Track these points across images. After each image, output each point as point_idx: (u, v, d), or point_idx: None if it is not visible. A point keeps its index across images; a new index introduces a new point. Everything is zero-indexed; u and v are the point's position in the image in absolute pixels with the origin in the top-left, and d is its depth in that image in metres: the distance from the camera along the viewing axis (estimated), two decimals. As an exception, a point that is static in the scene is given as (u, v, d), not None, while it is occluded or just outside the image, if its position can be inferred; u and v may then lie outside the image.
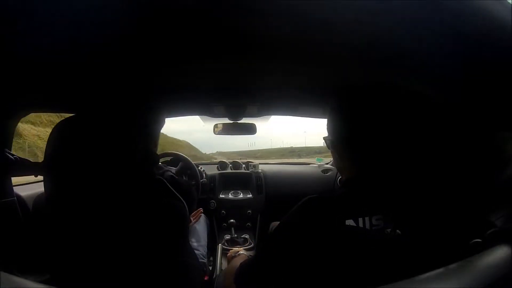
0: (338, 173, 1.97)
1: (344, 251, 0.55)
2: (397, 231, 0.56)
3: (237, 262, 0.90)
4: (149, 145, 0.76)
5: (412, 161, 0.65)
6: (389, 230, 0.56)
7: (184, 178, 1.67)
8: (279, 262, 0.61)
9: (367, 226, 0.56)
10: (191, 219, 1.45)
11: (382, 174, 0.63)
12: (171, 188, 0.76)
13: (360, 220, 0.56)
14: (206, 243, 1.48)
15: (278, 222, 0.66)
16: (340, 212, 0.57)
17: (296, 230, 0.60)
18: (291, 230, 0.62)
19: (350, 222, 0.56)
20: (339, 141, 0.69)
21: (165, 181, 0.77)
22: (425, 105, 0.59)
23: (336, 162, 0.74)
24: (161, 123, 0.88)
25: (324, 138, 0.74)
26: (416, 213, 0.58)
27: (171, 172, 1.48)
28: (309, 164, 2.35)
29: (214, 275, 1.38)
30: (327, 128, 0.72)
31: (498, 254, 0.33)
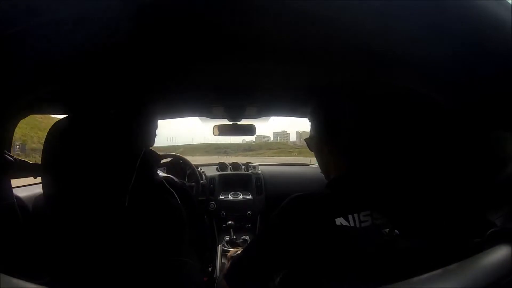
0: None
1: (334, 250, 0.55)
2: (395, 231, 0.56)
3: None
4: (148, 145, 0.76)
5: (405, 159, 0.65)
6: (387, 230, 0.56)
7: (183, 180, 1.67)
8: (265, 261, 0.61)
9: (357, 223, 0.56)
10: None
11: (370, 171, 0.63)
12: (171, 189, 0.76)
13: (350, 217, 0.56)
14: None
15: None
16: (328, 210, 0.57)
17: (280, 228, 0.60)
18: (275, 228, 0.62)
19: (340, 221, 0.56)
20: (324, 139, 0.69)
21: (165, 183, 0.77)
22: (425, 104, 0.59)
23: (321, 163, 0.73)
24: (156, 123, 0.88)
25: (305, 139, 0.74)
26: (413, 212, 0.59)
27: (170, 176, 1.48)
28: (309, 165, 2.35)
29: (214, 276, 1.37)
30: (311, 128, 0.72)
31: (498, 254, 0.33)
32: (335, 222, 0.56)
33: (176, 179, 0.91)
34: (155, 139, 0.88)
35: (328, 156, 0.69)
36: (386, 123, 0.64)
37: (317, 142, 0.70)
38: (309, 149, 0.75)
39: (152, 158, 0.76)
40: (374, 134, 0.63)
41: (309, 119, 0.73)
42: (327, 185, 0.69)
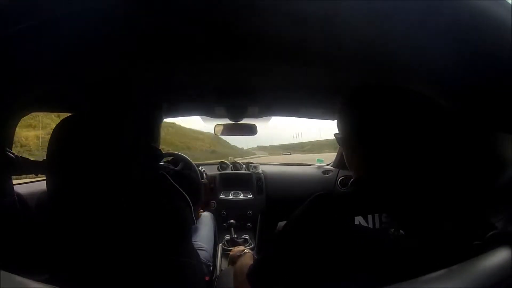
0: (338, 174, 1.97)
1: (353, 249, 0.55)
2: (401, 231, 0.56)
3: (245, 260, 0.90)
4: (150, 141, 0.76)
5: (420, 162, 0.65)
6: (392, 230, 0.56)
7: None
8: (291, 259, 0.61)
9: (377, 223, 0.56)
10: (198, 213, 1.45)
11: (392, 173, 0.63)
12: (175, 184, 0.76)
13: (370, 217, 0.56)
14: (212, 245, 1.47)
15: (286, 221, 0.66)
16: (349, 209, 0.57)
17: (307, 226, 0.60)
18: (302, 226, 0.62)
19: (359, 219, 0.56)
20: (350, 137, 0.68)
21: (168, 177, 0.76)
22: (430, 106, 0.59)
23: (346, 160, 0.73)
24: (161, 119, 0.88)
25: (335, 135, 0.74)
26: (420, 214, 0.58)
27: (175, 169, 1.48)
28: (309, 165, 2.35)
29: (214, 276, 1.38)
30: (338, 125, 0.71)
31: (498, 256, 0.33)
32: (354, 221, 0.56)
33: (184, 170, 0.91)
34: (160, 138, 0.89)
35: (354, 155, 0.68)
36: (404, 124, 0.64)
37: (344, 141, 0.70)
38: (339, 145, 0.74)
39: (154, 156, 0.76)
40: (396, 136, 0.63)
41: (336, 117, 0.73)
42: (351, 183, 0.69)
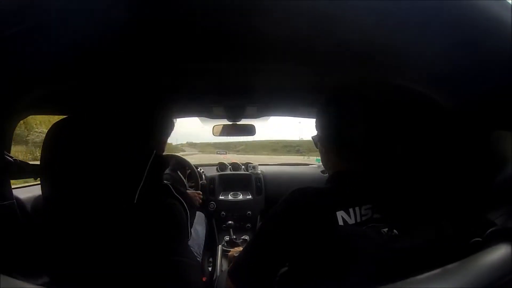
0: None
1: (334, 247, 0.55)
2: (394, 231, 0.56)
3: None
4: (153, 147, 0.75)
5: (405, 158, 0.66)
6: (385, 230, 0.56)
7: (182, 177, 1.67)
8: (268, 254, 0.62)
9: (358, 216, 0.57)
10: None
11: (372, 168, 0.64)
12: (176, 194, 0.76)
13: (351, 211, 0.57)
14: (202, 242, 1.46)
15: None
16: (329, 203, 0.58)
17: (282, 220, 0.60)
18: (276, 220, 0.62)
19: (341, 214, 0.56)
20: (327, 138, 0.70)
21: (171, 187, 0.77)
22: (424, 104, 0.59)
23: (323, 160, 0.75)
24: (167, 126, 0.86)
25: (312, 137, 0.75)
26: (412, 212, 0.59)
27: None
28: (308, 165, 2.35)
29: (214, 276, 1.37)
30: (316, 126, 0.73)
31: (498, 253, 0.33)
32: (336, 216, 0.56)
33: (180, 188, 0.91)
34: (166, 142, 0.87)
35: (331, 154, 0.70)
36: (388, 123, 0.64)
37: (322, 140, 0.71)
38: (316, 147, 0.76)
39: (162, 160, 0.75)
40: (377, 133, 0.64)
41: (315, 118, 0.74)
42: (327, 180, 0.69)
